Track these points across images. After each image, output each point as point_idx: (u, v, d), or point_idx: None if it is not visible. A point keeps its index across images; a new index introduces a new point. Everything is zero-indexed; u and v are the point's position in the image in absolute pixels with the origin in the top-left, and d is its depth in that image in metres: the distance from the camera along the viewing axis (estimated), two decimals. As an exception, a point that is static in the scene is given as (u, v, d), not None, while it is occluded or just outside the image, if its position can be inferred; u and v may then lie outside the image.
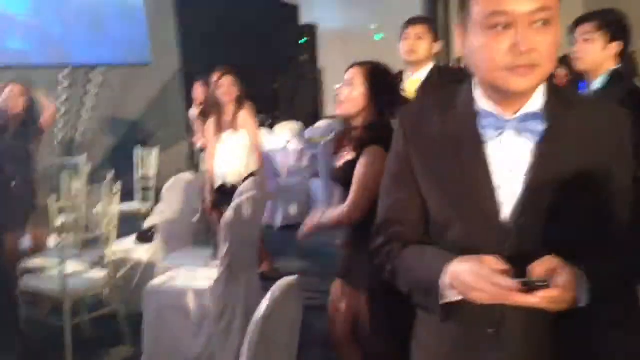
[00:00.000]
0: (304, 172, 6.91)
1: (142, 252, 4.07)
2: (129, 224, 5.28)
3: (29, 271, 3.71)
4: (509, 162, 1.17)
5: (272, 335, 1.60)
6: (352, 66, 2.44)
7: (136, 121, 8.45)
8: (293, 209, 6.46)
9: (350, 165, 2.39)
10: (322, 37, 11.24)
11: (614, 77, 2.44)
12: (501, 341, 1.19)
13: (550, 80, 1.19)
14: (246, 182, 3.81)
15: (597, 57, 2.41)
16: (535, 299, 1.03)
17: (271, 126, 8.36)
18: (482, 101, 1.20)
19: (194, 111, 5.86)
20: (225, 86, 4.22)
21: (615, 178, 1.18)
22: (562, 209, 1.15)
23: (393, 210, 1.31)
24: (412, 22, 3.07)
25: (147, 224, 4.79)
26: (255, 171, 4.37)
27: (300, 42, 10.91)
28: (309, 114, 10.72)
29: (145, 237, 4.19)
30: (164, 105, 8.53)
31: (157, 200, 5.48)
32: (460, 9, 1.19)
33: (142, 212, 5.73)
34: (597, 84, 2.48)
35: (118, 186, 3.67)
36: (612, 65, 2.46)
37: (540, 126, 1.16)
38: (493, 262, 1.08)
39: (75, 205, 3.62)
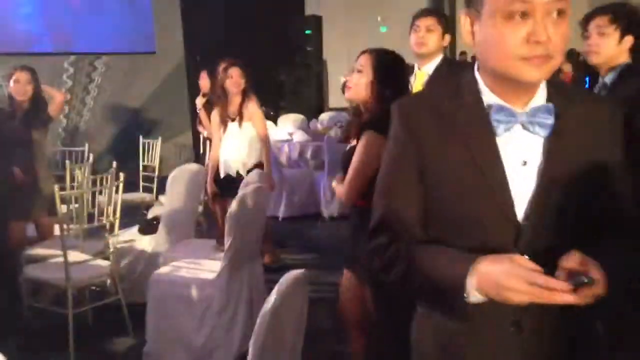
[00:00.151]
0: (308, 164, 6.90)
1: (145, 242, 4.06)
2: (132, 214, 5.28)
3: (33, 259, 3.71)
4: (520, 156, 1.16)
5: (279, 328, 1.59)
6: (363, 53, 2.46)
7: (140, 110, 8.43)
8: (297, 201, 6.46)
9: (353, 150, 2.43)
10: (327, 29, 11.19)
11: (626, 72, 2.41)
12: (520, 338, 1.18)
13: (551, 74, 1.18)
14: (251, 174, 3.79)
15: (612, 51, 2.38)
16: (577, 298, 1.02)
17: (275, 118, 8.33)
18: (490, 94, 1.18)
19: (200, 100, 5.84)
20: (234, 77, 4.22)
21: (616, 170, 1.20)
22: (574, 204, 1.15)
23: (394, 209, 1.25)
24: (422, 14, 3.04)
25: (150, 214, 4.79)
26: (260, 163, 4.35)
27: (305, 32, 10.86)
28: (313, 106, 10.70)
29: (149, 227, 4.17)
30: (168, 95, 8.51)
31: (160, 190, 5.48)
32: None
33: (146, 202, 5.72)
34: (608, 78, 2.45)
35: (121, 176, 3.65)
36: (624, 59, 2.43)
37: (550, 120, 1.14)
38: (524, 262, 1.05)
39: (79, 194, 3.60)
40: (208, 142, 5.31)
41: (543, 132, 1.14)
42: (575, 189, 1.15)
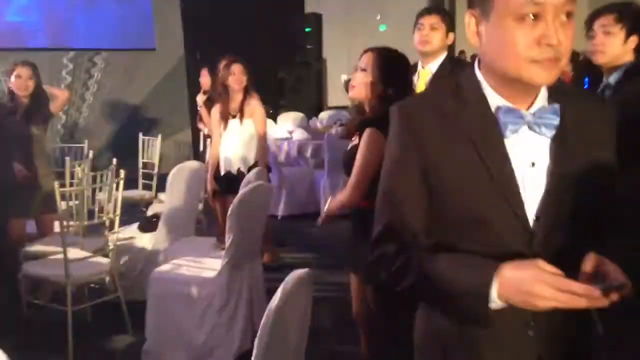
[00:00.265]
0: (308, 162, 6.89)
1: (145, 240, 4.04)
2: (131, 211, 5.26)
3: (32, 256, 3.69)
4: (528, 158, 1.16)
5: (283, 327, 1.58)
6: (366, 51, 2.45)
7: (140, 107, 8.41)
8: (296, 199, 6.44)
9: (355, 149, 2.42)
10: (327, 27, 11.17)
11: (631, 71, 2.40)
12: (535, 340, 1.17)
13: None
14: (252, 172, 3.78)
15: (618, 50, 2.37)
16: (605, 302, 1.01)
17: (274, 116, 8.32)
18: (494, 95, 1.17)
19: (201, 98, 5.82)
20: (236, 73, 4.21)
21: (614, 170, 1.21)
22: (584, 203, 1.15)
23: (400, 218, 1.22)
24: (426, 12, 3.03)
25: (150, 211, 4.77)
26: (259, 161, 4.34)
27: (305, 30, 10.83)
28: (313, 104, 10.68)
29: (149, 225, 4.16)
30: (168, 92, 8.50)
31: (159, 187, 5.46)
32: None
33: (145, 199, 5.71)
34: (613, 78, 2.44)
35: (122, 173, 3.64)
36: (629, 59, 2.41)
37: (555, 120, 1.14)
38: (549, 267, 1.04)
39: (79, 191, 3.58)
40: (208, 139, 5.29)
41: (549, 133, 1.14)
42: (583, 189, 1.15)
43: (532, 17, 1.06)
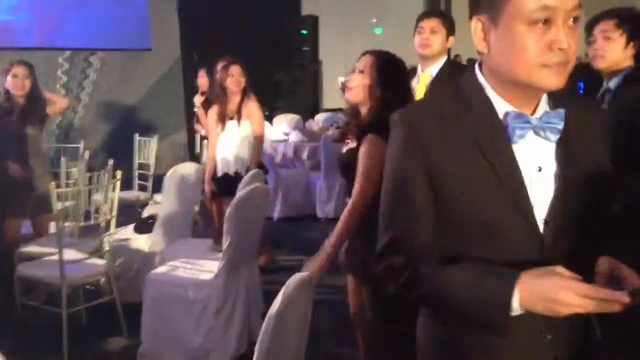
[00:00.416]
0: (304, 164, 6.88)
1: (141, 241, 4.02)
2: (127, 212, 5.23)
3: (27, 257, 3.66)
4: (535, 162, 1.16)
5: (284, 331, 1.58)
6: (364, 54, 2.44)
7: (136, 107, 8.38)
8: (292, 201, 6.43)
9: (352, 153, 2.40)
10: (323, 30, 11.17)
11: (631, 76, 2.40)
12: (552, 344, 1.18)
13: None
14: (249, 174, 3.76)
15: (618, 55, 2.37)
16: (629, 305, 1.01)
17: (270, 118, 8.31)
18: (500, 100, 1.16)
19: (198, 99, 5.81)
20: (235, 75, 4.20)
21: (611, 171, 1.23)
22: (591, 207, 1.16)
23: (406, 229, 1.20)
24: (426, 15, 3.02)
25: (145, 212, 4.75)
26: (259, 162, 4.32)
27: (301, 32, 10.83)
28: (309, 106, 10.67)
29: (144, 226, 4.14)
30: (164, 93, 8.46)
31: (155, 188, 5.43)
32: (484, 3, 1.14)
33: (141, 200, 5.68)
34: (612, 83, 2.44)
35: (118, 174, 3.62)
36: (628, 64, 2.42)
37: (560, 125, 1.14)
38: (569, 273, 1.04)
39: (74, 192, 3.55)
40: (204, 140, 5.27)
41: (553, 137, 1.15)
42: (588, 192, 1.16)
43: (542, 22, 1.07)
